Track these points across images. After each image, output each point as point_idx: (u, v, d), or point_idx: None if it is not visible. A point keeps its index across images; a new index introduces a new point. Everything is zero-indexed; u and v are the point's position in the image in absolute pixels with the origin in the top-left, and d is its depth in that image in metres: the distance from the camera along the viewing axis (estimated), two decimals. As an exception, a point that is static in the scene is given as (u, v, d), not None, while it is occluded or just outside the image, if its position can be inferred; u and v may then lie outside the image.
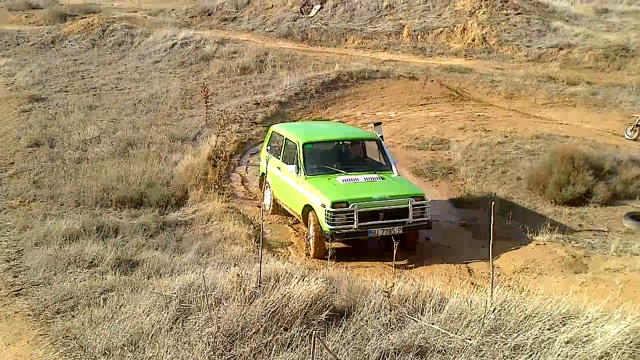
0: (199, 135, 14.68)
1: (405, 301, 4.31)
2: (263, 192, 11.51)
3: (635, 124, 16.52)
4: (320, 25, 27.41)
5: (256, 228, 9.40)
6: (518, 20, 27.07)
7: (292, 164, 10.15)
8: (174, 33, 25.02)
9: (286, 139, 10.86)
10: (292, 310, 4.29)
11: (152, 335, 4.97)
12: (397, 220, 9.37)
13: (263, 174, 11.41)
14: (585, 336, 3.52)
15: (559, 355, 3.22)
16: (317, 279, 4.74)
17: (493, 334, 3.53)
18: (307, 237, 9.70)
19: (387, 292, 4.21)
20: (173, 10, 32.78)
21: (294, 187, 10.14)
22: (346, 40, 26.41)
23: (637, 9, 31.19)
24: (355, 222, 9.12)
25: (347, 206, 9.11)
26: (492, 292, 4.04)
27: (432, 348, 3.47)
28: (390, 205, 9.38)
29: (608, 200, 11.83)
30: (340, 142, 11.21)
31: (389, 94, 19.32)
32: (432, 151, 14.56)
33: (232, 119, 15.59)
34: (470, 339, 3.36)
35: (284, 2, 29.52)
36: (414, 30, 26.45)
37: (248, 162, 13.89)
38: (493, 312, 3.79)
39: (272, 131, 11.70)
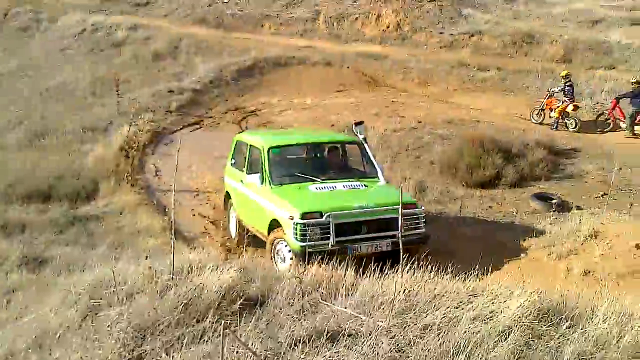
0: (111, 125, 14.28)
1: (319, 287, 4.34)
2: (228, 216, 10.05)
3: (540, 108, 17.27)
4: (236, 11, 27.01)
5: (169, 219, 9.16)
6: (431, 7, 27.53)
7: (256, 172, 8.63)
8: (84, 18, 24.06)
9: (250, 145, 9.30)
10: (205, 301, 4.23)
11: (60, 334, 4.78)
12: (383, 234, 7.72)
13: (227, 193, 9.95)
14: (490, 312, 3.65)
15: (464, 332, 3.32)
16: (230, 268, 4.70)
17: (403, 315, 3.60)
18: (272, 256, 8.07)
19: (298, 277, 4.23)
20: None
21: (257, 200, 8.57)
22: (262, 26, 26.16)
23: (541, -3, 32.26)
24: (331, 238, 7.44)
25: (321, 217, 7.47)
26: (402, 273, 4.13)
27: (344, 332, 3.51)
28: (374, 215, 7.73)
29: (516, 182, 12.34)
30: (314, 146, 9.63)
31: (306, 80, 19.36)
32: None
33: (145, 108, 15.22)
34: (381, 321, 3.41)
35: (198, -14, 28.90)
36: (330, 17, 26.47)
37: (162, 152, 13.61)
38: (403, 292, 3.87)
39: (237, 141, 10.16)
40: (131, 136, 12.28)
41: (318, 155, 9.59)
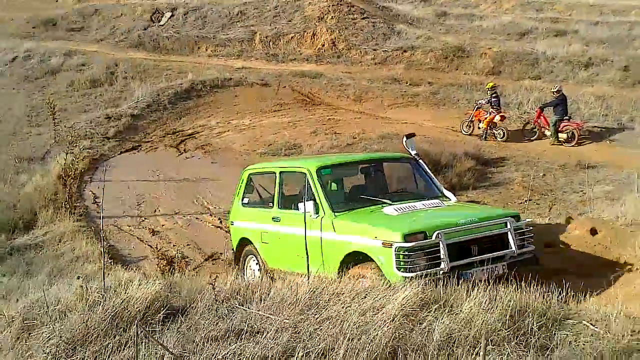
0: (48, 154, 14.32)
1: (237, 293, 4.73)
2: (243, 268, 8.57)
3: (469, 119, 18.03)
4: (172, 34, 27.18)
5: (102, 242, 9.33)
6: (364, 24, 28.23)
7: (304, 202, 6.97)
8: (15, 44, 23.80)
9: (282, 172, 8.04)
10: (131, 313, 4.56)
11: (-7, 356, 5.00)
12: (496, 254, 6.60)
13: (243, 239, 8.54)
14: (380, 305, 4.11)
15: (354, 323, 3.76)
16: (155, 281, 5.05)
17: (307, 312, 4.02)
18: None
19: (212, 284, 4.61)
20: (12, 19, 30.88)
21: (314, 236, 6.90)
22: (199, 48, 26.38)
23: (472, 12, 33.50)
24: (444, 261, 6.15)
25: (427, 238, 6.21)
26: (308, 274, 4.58)
27: (254, 330, 3.90)
28: (482, 231, 6.61)
29: (446, 191, 12.93)
30: (367, 166, 8.47)
31: (243, 101, 19.69)
32: (286, 156, 15.11)
33: (83, 135, 15.32)
34: (287, 319, 3.82)
35: (133, 10, 28.94)
36: (266, 37, 26.92)
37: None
38: (308, 292, 4.29)
39: (249, 175, 8.81)
40: (68, 164, 12.36)
41: (372, 176, 8.43)
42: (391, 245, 6.05)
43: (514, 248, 6.62)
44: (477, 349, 3.32)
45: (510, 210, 7.34)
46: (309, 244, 6.65)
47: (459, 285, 4.83)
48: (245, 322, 4.02)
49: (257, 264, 8.28)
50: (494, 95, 17.70)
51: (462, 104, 20.05)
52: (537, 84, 21.15)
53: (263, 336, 3.64)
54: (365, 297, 4.27)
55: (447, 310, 4.12)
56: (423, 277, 5.63)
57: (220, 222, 11.51)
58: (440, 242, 6.15)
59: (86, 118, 17.08)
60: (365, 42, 26.89)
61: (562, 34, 26.87)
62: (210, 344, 3.73)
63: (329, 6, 28.51)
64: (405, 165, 8.50)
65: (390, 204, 7.10)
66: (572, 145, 16.73)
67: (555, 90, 17.43)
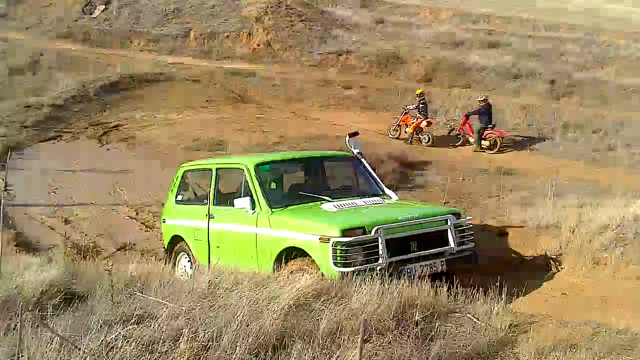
0: (-40, 141, 13.74)
1: (137, 281, 4.68)
2: (176, 265, 8.26)
3: (397, 124, 18.40)
4: (105, 27, 26.57)
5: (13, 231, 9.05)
6: (302, 27, 28.33)
7: (240, 198, 7.09)
8: None
9: (219, 169, 7.97)
10: (25, 297, 4.44)
11: None
12: (435, 251, 6.69)
13: (175, 237, 8.40)
14: (276, 295, 4.17)
15: (249, 309, 3.80)
16: (54, 267, 4.94)
17: (203, 300, 4.03)
18: None
19: (108, 270, 4.57)
20: None
21: (249, 232, 6.98)
22: (131, 42, 25.84)
23: (409, 20, 34.02)
24: (383, 256, 6.16)
25: (366, 233, 6.19)
26: (209, 264, 4.58)
27: (149, 315, 3.87)
28: (423, 227, 6.64)
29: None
30: (306, 163, 8.46)
31: (172, 96, 19.41)
32: (210, 152, 14.98)
33: (-1, 123, 14.79)
34: (182, 306, 3.82)
35: (64, 0, 28.12)
36: (201, 34, 26.66)
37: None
38: (208, 282, 4.30)
39: (184, 172, 8.69)
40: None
41: (313, 173, 8.37)
42: (328, 240, 6.03)
43: (453, 245, 6.71)
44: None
45: (451, 208, 7.39)
46: (244, 240, 6.80)
47: (354, 279, 4.93)
48: (142, 309, 3.98)
49: (189, 261, 8.14)
50: (421, 102, 18.11)
51: (392, 108, 20.37)
52: (466, 93, 21.72)
53: (155, 321, 3.62)
54: (265, 287, 4.31)
55: (338, 301, 4.21)
56: (360, 272, 5.67)
57: (137, 213, 11.42)
58: (379, 238, 6.14)
59: (3, 106, 16.44)
60: (301, 44, 26.94)
61: (495, 45, 27.76)
62: (102, 328, 3.68)
63: (267, 7, 28.46)
64: (347, 164, 8.55)
65: (330, 201, 7.08)
66: (494, 153, 17.32)
67: (482, 99, 18.01)
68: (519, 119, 20.06)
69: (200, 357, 3.03)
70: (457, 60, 24.73)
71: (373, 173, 8.32)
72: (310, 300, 4.14)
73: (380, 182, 8.23)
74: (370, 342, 3.54)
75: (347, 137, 8.75)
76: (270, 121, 18.04)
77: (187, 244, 8.09)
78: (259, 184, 7.11)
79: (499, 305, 4.59)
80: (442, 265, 6.58)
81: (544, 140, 18.62)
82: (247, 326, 3.43)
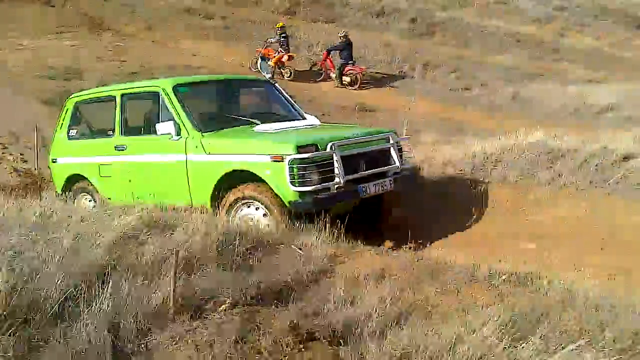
0: None
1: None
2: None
3: (259, 56, 18.33)
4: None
5: None
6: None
7: (161, 123, 6.42)
8: None
9: (125, 95, 7.15)
10: None
11: None
12: (384, 169, 6.50)
13: (72, 176, 7.70)
14: (102, 228, 4.33)
15: (70, 244, 3.94)
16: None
17: (30, 233, 4.10)
18: None
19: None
20: None
21: (176, 160, 6.39)
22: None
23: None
24: (339, 175, 5.82)
25: (320, 150, 5.79)
26: (40, 198, 4.63)
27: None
28: (371, 144, 6.41)
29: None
30: (225, 87, 7.68)
31: (20, 19, 18.18)
32: (65, 81, 14.37)
33: None
34: (11, 238, 3.85)
35: None
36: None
37: None
38: (39, 215, 4.37)
39: (76, 104, 7.80)
40: None
41: (231, 97, 7.68)
42: (282, 159, 5.59)
43: (397, 163, 6.54)
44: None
45: (389, 128, 6.99)
46: (169, 170, 6.37)
47: (184, 212, 5.14)
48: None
49: (90, 201, 7.54)
50: (282, 35, 18.12)
51: (254, 40, 20.18)
52: (329, 28, 21.89)
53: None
54: (92, 221, 4.43)
55: (165, 233, 4.42)
56: (318, 192, 5.57)
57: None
58: (335, 155, 5.80)
59: None
60: (164, -31, 25.77)
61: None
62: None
63: None
64: (262, 89, 8.09)
65: (260, 124, 6.59)
66: (355, 89, 17.90)
67: (342, 35, 18.35)
68: (380, 55, 20.61)
69: (16, 292, 3.12)
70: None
71: (289, 98, 7.88)
72: (139, 233, 4.32)
73: (299, 107, 7.80)
74: (191, 274, 3.79)
75: (259, 61, 8.21)
76: (129, 50, 17.50)
77: (90, 183, 7.47)
78: (182, 107, 6.47)
79: (322, 236, 4.95)
80: (390, 184, 6.44)
81: (404, 78, 19.40)
82: (66, 260, 3.55)
